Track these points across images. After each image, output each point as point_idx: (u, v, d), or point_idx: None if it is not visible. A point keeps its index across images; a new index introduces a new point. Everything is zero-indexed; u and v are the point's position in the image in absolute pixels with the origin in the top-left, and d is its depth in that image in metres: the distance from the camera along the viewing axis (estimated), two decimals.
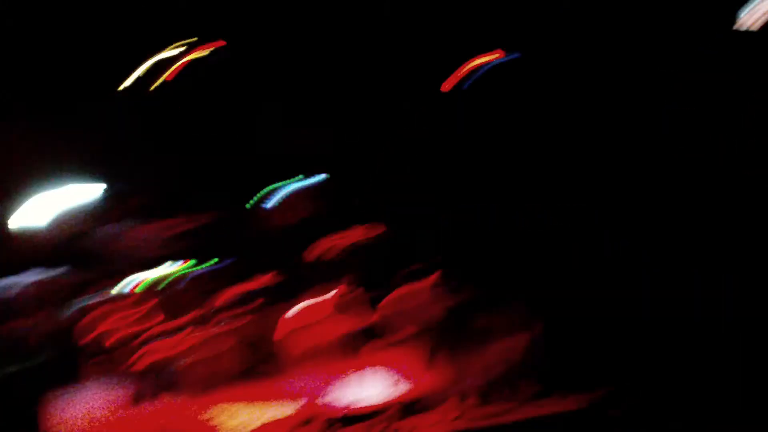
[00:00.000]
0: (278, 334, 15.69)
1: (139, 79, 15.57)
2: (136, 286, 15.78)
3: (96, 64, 15.09)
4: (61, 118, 15.30)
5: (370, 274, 16.01)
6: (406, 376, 14.85)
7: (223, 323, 15.10)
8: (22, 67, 14.58)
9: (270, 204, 17.16)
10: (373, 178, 17.32)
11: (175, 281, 15.70)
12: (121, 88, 15.59)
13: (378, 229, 17.09)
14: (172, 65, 15.37)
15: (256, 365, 15.05)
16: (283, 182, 17.36)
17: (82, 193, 15.90)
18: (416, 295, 14.80)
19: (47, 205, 15.69)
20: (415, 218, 17.38)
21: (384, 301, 14.71)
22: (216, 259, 16.08)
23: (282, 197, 17.35)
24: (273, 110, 16.72)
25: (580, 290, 14.79)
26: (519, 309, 14.82)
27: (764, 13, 14.83)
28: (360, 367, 14.03)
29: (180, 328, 14.57)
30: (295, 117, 16.76)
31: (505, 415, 13.75)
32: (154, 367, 13.49)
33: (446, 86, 16.25)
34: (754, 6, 14.88)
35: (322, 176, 17.38)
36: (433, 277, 14.83)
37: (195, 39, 15.26)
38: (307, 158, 17.29)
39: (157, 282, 15.89)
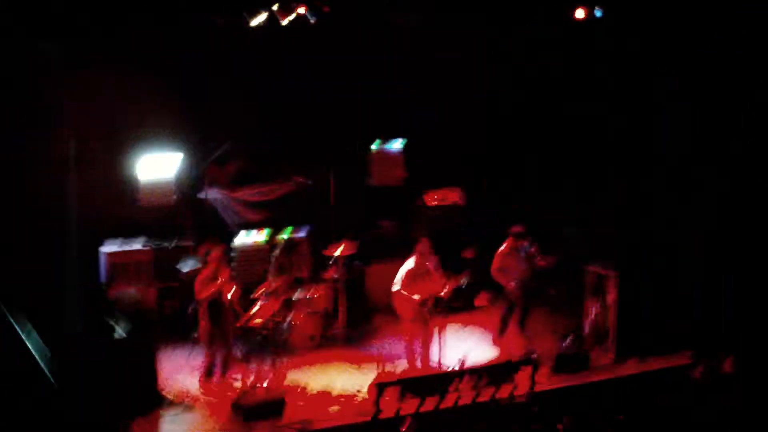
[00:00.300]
0: (368, 298, 16.56)
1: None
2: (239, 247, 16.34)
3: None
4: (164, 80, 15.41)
5: (451, 240, 16.64)
6: (491, 339, 15.54)
7: (316, 288, 15.69)
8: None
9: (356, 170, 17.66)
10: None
11: (276, 244, 16.19)
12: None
13: (456, 197, 17.75)
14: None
15: (347, 329, 15.78)
16: (371, 145, 17.90)
17: (180, 159, 16.27)
18: (497, 261, 15.13)
19: (149, 171, 16.09)
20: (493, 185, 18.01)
21: (464, 267, 15.03)
22: (301, 226, 16.63)
23: (372, 161, 17.92)
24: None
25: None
26: (592, 279, 15.39)
27: None
28: (447, 330, 14.39)
29: (278, 292, 14.92)
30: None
31: (580, 379, 14.33)
32: (259, 328, 13.89)
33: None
34: None
35: (402, 143, 18.01)
36: (515, 244, 15.13)
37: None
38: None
39: (255, 246, 16.43)
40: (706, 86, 15.40)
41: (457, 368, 13.67)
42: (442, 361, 14.19)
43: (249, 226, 16.68)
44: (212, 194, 16.62)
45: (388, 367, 14.34)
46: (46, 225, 13.73)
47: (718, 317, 14.82)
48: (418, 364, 14.47)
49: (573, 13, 16.26)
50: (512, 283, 15.04)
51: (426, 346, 14.40)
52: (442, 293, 14.18)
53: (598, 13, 16.26)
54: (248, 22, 14.75)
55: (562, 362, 14.59)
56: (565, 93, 17.43)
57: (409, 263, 14.34)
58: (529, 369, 13.63)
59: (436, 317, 14.25)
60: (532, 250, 15.18)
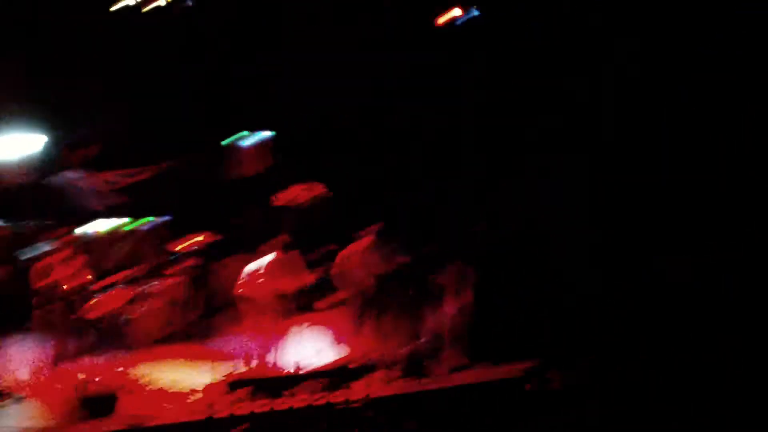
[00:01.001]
0: (217, 293, 16.19)
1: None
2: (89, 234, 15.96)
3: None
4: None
5: (308, 235, 16.40)
6: (339, 340, 15.33)
7: (164, 280, 15.43)
8: None
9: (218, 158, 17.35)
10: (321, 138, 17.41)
11: (123, 234, 15.89)
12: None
13: (318, 190, 17.47)
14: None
15: (193, 324, 15.52)
16: (232, 137, 17.59)
17: (29, 143, 15.97)
18: (353, 258, 15.02)
19: (5, 151, 15.85)
20: (357, 182, 17.73)
21: (321, 263, 14.98)
22: (159, 215, 16.34)
23: (231, 151, 17.60)
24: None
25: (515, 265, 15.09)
26: (450, 279, 15.11)
27: None
28: (295, 329, 14.31)
29: (124, 282, 14.74)
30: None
31: (431, 383, 14.06)
32: (97, 319, 13.61)
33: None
34: None
35: (269, 133, 17.69)
36: (370, 242, 14.99)
37: None
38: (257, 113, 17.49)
39: (107, 234, 16.07)
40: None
41: (299, 370, 13.41)
42: (287, 362, 14.04)
43: (108, 211, 16.33)
44: (70, 176, 16.19)
45: (233, 365, 14.12)
46: None
47: (573, 323, 14.55)
48: (268, 362, 14.28)
49: None
50: (365, 282, 14.76)
51: (276, 345, 14.18)
52: (304, 287, 14.03)
53: None
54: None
55: (412, 365, 14.36)
56: None
57: (269, 257, 14.10)
58: (370, 373, 13.40)
59: (292, 314, 14.21)
60: (391, 247, 14.86)
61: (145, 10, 14.68)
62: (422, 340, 14.80)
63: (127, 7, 14.72)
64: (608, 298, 14.72)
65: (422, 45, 16.92)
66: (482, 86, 16.39)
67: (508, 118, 16.30)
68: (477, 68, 16.40)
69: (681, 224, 15.10)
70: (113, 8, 14.69)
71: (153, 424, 12.79)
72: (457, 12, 16.05)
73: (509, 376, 13.92)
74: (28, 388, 13.54)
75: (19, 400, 13.29)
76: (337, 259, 14.97)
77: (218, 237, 15.82)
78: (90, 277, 14.18)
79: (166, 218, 16.35)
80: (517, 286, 14.90)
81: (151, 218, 16.21)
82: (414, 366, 14.36)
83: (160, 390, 13.68)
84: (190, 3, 14.82)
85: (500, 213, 15.93)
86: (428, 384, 14.09)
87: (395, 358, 14.38)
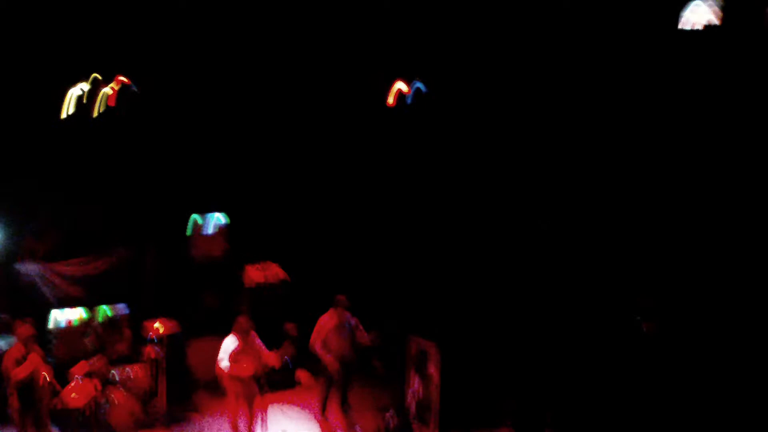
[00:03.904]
0: (189, 375, 16.31)
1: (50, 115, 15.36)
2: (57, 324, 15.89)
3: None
4: None
5: (271, 315, 16.63)
6: (309, 418, 15.49)
7: (137, 365, 15.47)
8: None
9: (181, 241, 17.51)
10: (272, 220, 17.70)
11: (95, 321, 15.87)
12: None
13: (274, 270, 17.74)
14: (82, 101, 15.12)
15: (167, 407, 15.45)
16: (191, 219, 17.81)
17: None
18: (320, 333, 14.98)
19: None
20: (316, 259, 18.06)
21: (286, 342, 14.93)
22: (116, 303, 16.29)
23: (192, 235, 17.80)
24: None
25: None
26: (413, 354, 15.51)
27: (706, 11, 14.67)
28: (265, 409, 14.30)
29: (98, 370, 14.66)
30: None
31: None
32: (72, 408, 13.47)
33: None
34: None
35: (223, 217, 17.98)
36: (335, 318, 15.02)
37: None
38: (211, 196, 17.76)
39: (73, 324, 16.01)
40: None
41: None
42: None
43: (68, 300, 16.22)
44: (29, 267, 16.12)
45: None
46: None
47: (538, 390, 15.02)
48: None
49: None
50: (331, 358, 14.82)
51: (250, 425, 14.26)
52: (274, 365, 14.11)
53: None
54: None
55: None
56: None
57: (231, 339, 14.17)
58: None
59: (263, 393, 14.18)
60: (355, 322, 15.14)
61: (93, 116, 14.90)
62: (389, 414, 15.04)
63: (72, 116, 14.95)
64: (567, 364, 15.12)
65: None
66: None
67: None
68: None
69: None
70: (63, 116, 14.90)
71: None
72: (401, 86, 16.47)
73: None
74: None
75: None
76: (316, 330, 14.98)
77: (178, 323, 15.82)
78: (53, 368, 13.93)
79: (125, 307, 16.25)
80: (479, 358, 15.20)
81: (108, 307, 16.05)
82: None
83: None
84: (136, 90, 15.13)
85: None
86: None
87: (371, 430, 14.55)
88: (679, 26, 14.93)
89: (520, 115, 16.31)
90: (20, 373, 13.14)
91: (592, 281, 15.47)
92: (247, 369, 13.99)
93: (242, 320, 14.23)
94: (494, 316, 15.79)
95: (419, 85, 16.67)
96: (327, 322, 14.94)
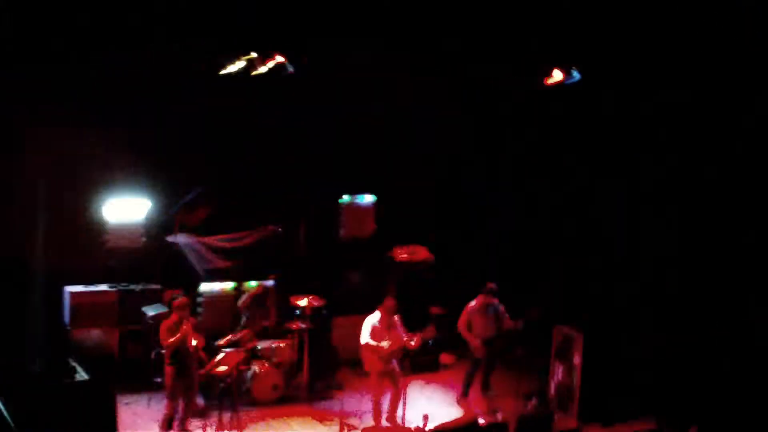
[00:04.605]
0: (332, 351, 16.42)
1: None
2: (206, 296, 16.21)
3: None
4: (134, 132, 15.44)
5: (418, 297, 16.61)
6: (450, 401, 15.43)
7: (283, 338, 15.66)
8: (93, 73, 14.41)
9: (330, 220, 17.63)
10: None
11: (243, 293, 16.11)
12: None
13: (422, 254, 17.73)
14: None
15: (309, 382, 15.58)
16: (343, 198, 17.92)
17: (138, 207, 16.17)
18: (465, 316, 15.08)
19: (118, 214, 16.01)
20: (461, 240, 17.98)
21: (430, 326, 15.13)
22: (265, 278, 16.46)
23: (343, 213, 17.91)
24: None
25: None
26: (564, 341, 15.31)
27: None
28: (406, 388, 14.28)
29: (244, 341, 14.89)
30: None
31: None
32: (223, 376, 13.70)
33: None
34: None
35: (373, 198, 18.06)
36: (482, 303, 15.06)
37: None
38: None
39: (224, 294, 16.29)
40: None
41: (421, 427, 13.52)
42: (405, 419, 14.08)
43: (217, 273, 16.51)
44: (181, 239, 16.44)
45: (352, 423, 14.22)
46: (10, 266, 13.58)
47: (682, 384, 14.71)
48: (383, 421, 14.35)
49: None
50: (477, 341, 14.92)
51: (393, 403, 14.33)
52: (412, 344, 14.10)
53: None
54: (224, 69, 14.76)
55: (526, 425, 14.39)
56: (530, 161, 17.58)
57: (374, 316, 14.26)
58: None
59: (406, 375, 14.29)
60: (502, 309, 15.07)
61: (254, 73, 14.90)
62: (530, 401, 14.88)
63: (231, 74, 14.96)
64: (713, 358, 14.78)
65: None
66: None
67: None
68: None
69: None
70: (222, 72, 14.92)
71: None
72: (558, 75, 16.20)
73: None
74: None
75: None
76: (463, 315, 15.00)
77: (324, 300, 15.89)
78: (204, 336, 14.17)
79: (272, 282, 16.45)
80: (624, 350, 14.96)
81: (256, 281, 16.24)
82: (530, 425, 14.30)
83: None
84: (291, 70, 15.12)
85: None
86: None
87: (512, 416, 14.32)
88: None
89: None
90: (171, 339, 13.40)
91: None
92: (387, 347, 14.02)
93: (390, 300, 14.31)
94: (643, 308, 15.53)
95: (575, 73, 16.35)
96: (473, 306, 15.11)
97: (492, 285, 15.13)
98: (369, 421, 14.36)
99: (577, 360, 14.94)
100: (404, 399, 14.18)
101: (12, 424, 11.77)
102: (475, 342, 14.97)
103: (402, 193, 17.49)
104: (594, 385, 14.80)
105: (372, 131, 16.93)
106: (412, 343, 14.14)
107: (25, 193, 14.69)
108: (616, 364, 14.85)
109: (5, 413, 11.79)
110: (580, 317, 15.34)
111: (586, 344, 14.87)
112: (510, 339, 15.47)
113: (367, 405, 14.63)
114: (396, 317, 14.32)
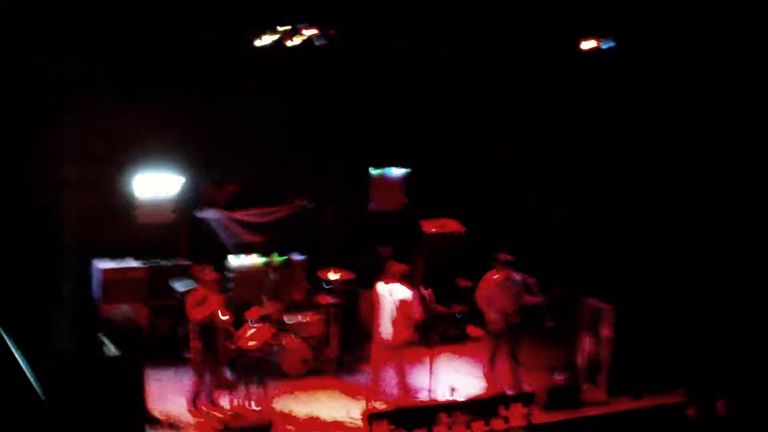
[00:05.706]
0: (361, 325, 16.40)
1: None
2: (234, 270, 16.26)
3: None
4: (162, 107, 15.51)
5: (447, 270, 16.56)
6: (477, 373, 15.43)
7: (311, 312, 15.71)
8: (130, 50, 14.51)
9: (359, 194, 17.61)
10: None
11: (272, 267, 16.14)
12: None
13: (453, 226, 17.65)
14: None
15: (338, 355, 15.69)
16: (372, 170, 17.90)
17: (167, 182, 16.29)
18: (490, 291, 14.86)
19: (148, 190, 16.16)
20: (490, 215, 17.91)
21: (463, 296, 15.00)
22: (295, 252, 16.50)
23: (372, 186, 17.92)
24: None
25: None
26: (592, 313, 15.26)
27: None
28: (432, 362, 14.26)
29: (272, 315, 14.96)
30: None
31: (572, 414, 14.19)
32: (246, 350, 13.80)
33: None
34: None
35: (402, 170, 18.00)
36: (499, 276, 14.85)
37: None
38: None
39: (254, 268, 16.33)
40: None
41: (448, 399, 13.53)
42: (432, 392, 14.10)
43: (246, 247, 16.60)
44: (210, 214, 16.56)
45: (380, 397, 14.26)
46: (41, 241, 13.73)
47: (713, 357, 14.69)
48: (409, 394, 14.35)
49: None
50: (493, 314, 14.71)
51: (400, 377, 14.32)
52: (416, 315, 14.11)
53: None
54: (252, 43, 14.75)
55: (554, 397, 14.44)
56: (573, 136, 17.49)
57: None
58: (522, 403, 13.36)
59: (433, 346, 14.27)
60: (530, 281, 14.92)
61: (289, 44, 14.90)
62: (558, 373, 14.82)
63: (264, 48, 14.95)
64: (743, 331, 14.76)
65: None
66: None
67: None
68: None
69: None
70: (257, 43, 14.90)
71: None
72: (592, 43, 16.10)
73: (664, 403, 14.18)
74: (182, 418, 13.67)
75: (175, 429, 13.42)
76: (480, 286, 14.89)
77: (352, 274, 15.92)
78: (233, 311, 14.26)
79: (301, 255, 16.49)
80: (654, 322, 14.93)
81: (284, 255, 16.29)
82: (559, 397, 14.37)
83: (313, 419, 13.86)
84: (324, 42, 15.10)
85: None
86: (582, 412, 14.21)
87: (540, 388, 14.37)
88: None
89: None
90: (198, 314, 13.50)
91: None
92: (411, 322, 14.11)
93: (394, 266, 14.35)
94: (674, 280, 15.48)
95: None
96: (490, 278, 14.83)
97: (505, 255, 14.76)
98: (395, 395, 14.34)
99: (605, 332, 14.84)
100: (431, 371, 14.11)
101: (43, 398, 11.94)
102: (492, 316, 14.71)
103: (433, 166, 17.42)
104: (623, 357, 14.74)
105: (404, 103, 16.92)
106: (443, 314, 14.10)
107: (57, 168, 14.78)
108: (645, 336, 14.80)
109: (36, 387, 11.95)
110: (610, 288, 15.17)
111: (617, 317, 14.78)
112: (538, 312, 15.27)
113: (393, 378, 14.54)
114: (414, 291, 14.21)
